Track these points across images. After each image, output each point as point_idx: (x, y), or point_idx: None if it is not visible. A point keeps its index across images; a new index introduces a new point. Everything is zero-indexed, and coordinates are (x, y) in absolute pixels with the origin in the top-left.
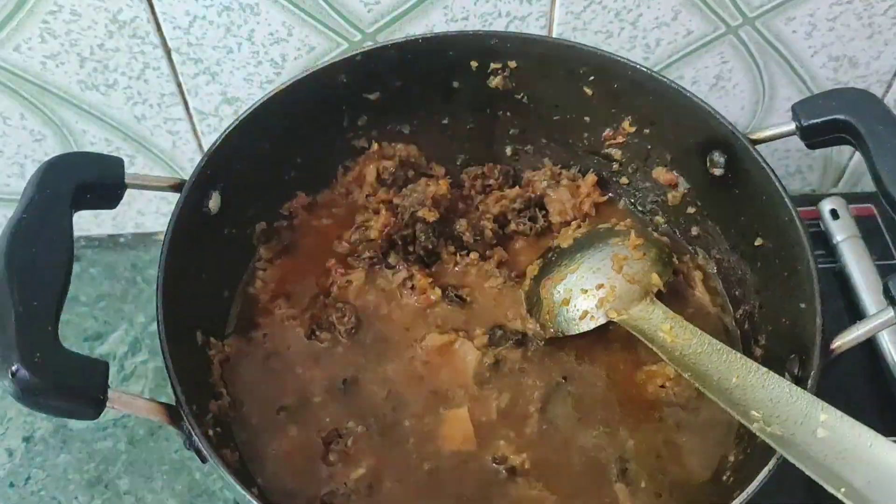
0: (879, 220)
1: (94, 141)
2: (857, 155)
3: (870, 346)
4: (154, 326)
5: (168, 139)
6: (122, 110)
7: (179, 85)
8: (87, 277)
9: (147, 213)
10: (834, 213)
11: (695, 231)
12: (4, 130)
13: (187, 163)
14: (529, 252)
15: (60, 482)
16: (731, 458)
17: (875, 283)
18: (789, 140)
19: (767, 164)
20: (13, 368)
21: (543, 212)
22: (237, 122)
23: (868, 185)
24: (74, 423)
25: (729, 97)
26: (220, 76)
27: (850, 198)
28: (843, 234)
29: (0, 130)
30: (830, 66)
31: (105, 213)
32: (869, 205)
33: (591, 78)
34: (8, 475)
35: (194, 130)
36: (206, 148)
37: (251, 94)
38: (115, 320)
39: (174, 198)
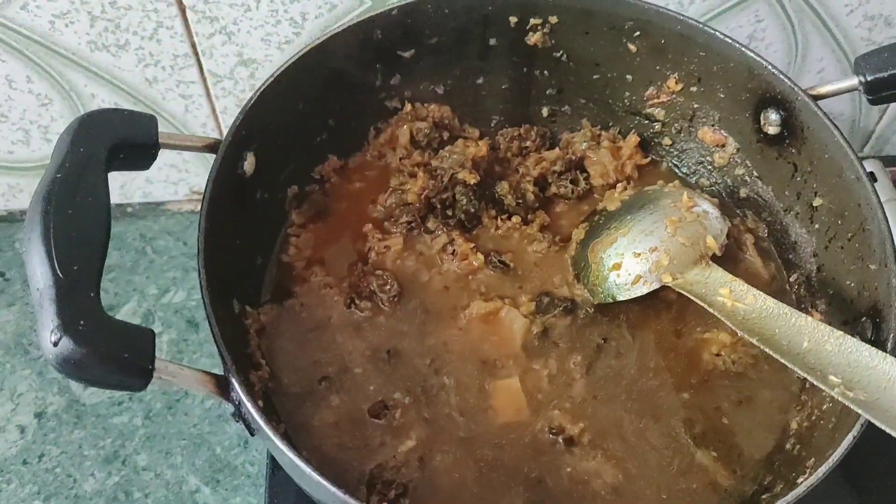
0: None
1: (103, 105)
2: (886, 118)
3: None
4: (167, 298)
5: (180, 103)
6: (133, 73)
7: (193, 45)
8: None
9: (156, 182)
10: (872, 176)
11: (743, 193)
12: (10, 94)
13: (199, 128)
14: (571, 216)
15: (75, 458)
16: (794, 426)
17: None
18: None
19: (831, 121)
20: (55, 338)
21: (584, 174)
22: (271, 80)
23: (895, 149)
24: (88, 398)
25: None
26: (236, 36)
27: (882, 161)
28: (884, 197)
29: (5, 94)
30: (865, 26)
31: (111, 182)
32: None
33: (637, 33)
34: (21, 452)
35: (208, 94)
36: (219, 112)
37: (268, 56)
38: (126, 292)
39: (184, 165)
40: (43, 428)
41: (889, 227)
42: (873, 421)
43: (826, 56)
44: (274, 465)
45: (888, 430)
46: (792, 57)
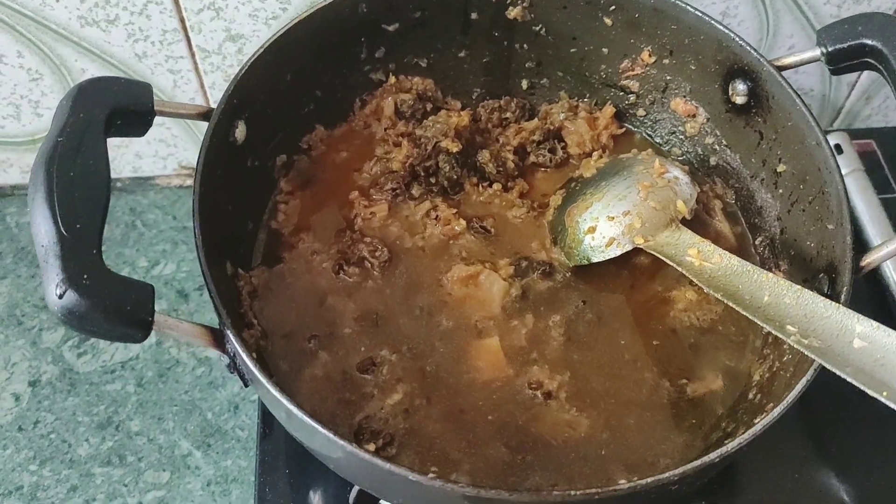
0: (880, 154)
1: None
2: (855, 93)
3: (874, 279)
4: (157, 270)
5: (169, 78)
6: (123, 48)
7: (182, 21)
8: None
9: (145, 157)
10: (838, 148)
11: (713, 161)
12: (0, 69)
13: (188, 102)
14: (549, 183)
15: (70, 425)
16: (756, 377)
17: (879, 214)
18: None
19: (794, 90)
20: (60, 291)
21: (562, 144)
22: (261, 50)
23: (864, 122)
24: (81, 367)
25: None
26: (224, 11)
27: (851, 134)
28: (847, 168)
29: None
30: (834, 3)
31: None
32: (869, 140)
33: (612, 7)
34: (16, 419)
35: (196, 69)
36: (207, 87)
37: (256, 31)
38: (117, 264)
39: (173, 140)
40: (37, 396)
41: (845, 188)
42: (826, 365)
43: (796, 32)
44: (265, 428)
45: (839, 373)
46: (764, 33)
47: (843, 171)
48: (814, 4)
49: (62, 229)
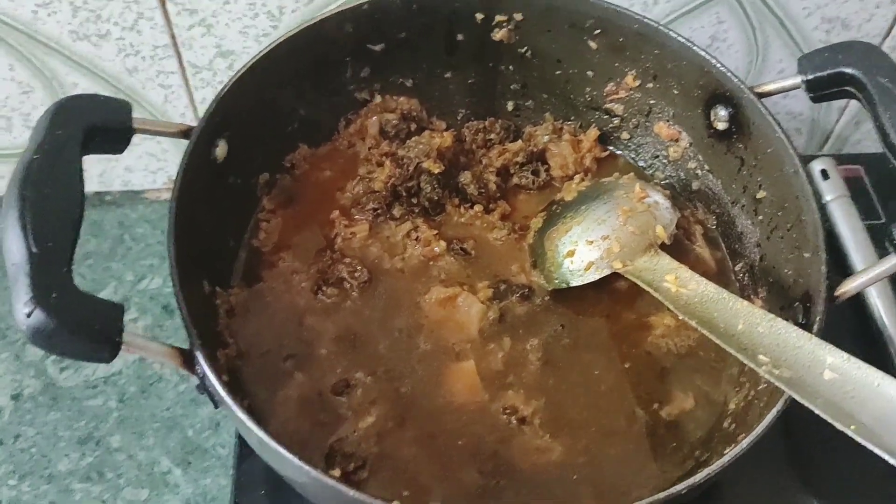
0: (867, 180)
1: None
2: (844, 118)
3: (858, 305)
4: (143, 285)
5: (160, 93)
6: (114, 62)
7: (173, 37)
8: None
9: (135, 171)
10: (824, 174)
11: (695, 185)
12: None
13: (178, 117)
14: (532, 205)
15: (51, 440)
16: (732, 406)
17: (864, 241)
18: (778, 103)
19: (774, 118)
20: (28, 310)
21: (545, 166)
22: (245, 69)
23: (854, 148)
24: (64, 382)
25: (723, 57)
26: (215, 28)
27: (839, 159)
28: (833, 194)
29: None
30: (823, 28)
31: (91, 171)
32: (857, 166)
33: (597, 31)
34: None
35: (187, 84)
36: (198, 102)
37: (246, 48)
38: (104, 278)
39: (164, 154)
40: (19, 410)
41: (822, 217)
42: (794, 396)
43: (786, 57)
44: (242, 446)
45: (809, 405)
46: (753, 57)
47: (829, 197)
48: (802, 29)
49: (33, 247)
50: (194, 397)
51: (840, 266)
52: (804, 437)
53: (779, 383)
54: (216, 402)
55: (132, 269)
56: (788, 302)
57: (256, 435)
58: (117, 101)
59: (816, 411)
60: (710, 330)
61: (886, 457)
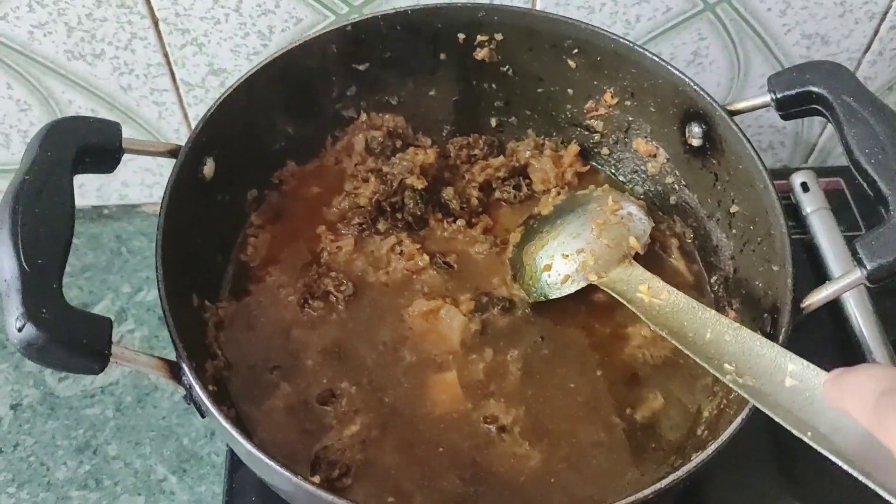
0: (847, 193)
1: (80, 111)
2: (826, 131)
3: (836, 313)
4: (140, 296)
5: (154, 110)
6: (109, 80)
7: (166, 55)
8: (71, 248)
9: (132, 185)
10: (804, 186)
11: (673, 200)
12: None
13: (172, 134)
14: (513, 219)
15: (48, 448)
16: (706, 414)
17: (843, 253)
18: (762, 116)
19: (744, 134)
20: (20, 324)
21: (527, 180)
22: (231, 90)
23: (837, 160)
24: (62, 391)
25: (705, 73)
26: (207, 47)
27: (820, 172)
28: (813, 206)
29: None
30: (803, 44)
31: (89, 185)
32: (838, 178)
33: (576, 51)
34: None
35: (180, 101)
36: (191, 119)
37: (238, 66)
38: (101, 290)
39: (159, 169)
40: (18, 419)
41: (789, 231)
42: (755, 403)
43: (768, 72)
44: (234, 454)
45: (770, 413)
46: (735, 73)
47: (809, 209)
48: (783, 45)
49: (24, 265)
50: (189, 406)
51: (820, 276)
52: (792, 441)
53: (743, 392)
54: (202, 413)
55: (129, 281)
56: (759, 313)
57: (242, 444)
58: (107, 123)
59: (776, 419)
60: (679, 340)
61: (840, 462)
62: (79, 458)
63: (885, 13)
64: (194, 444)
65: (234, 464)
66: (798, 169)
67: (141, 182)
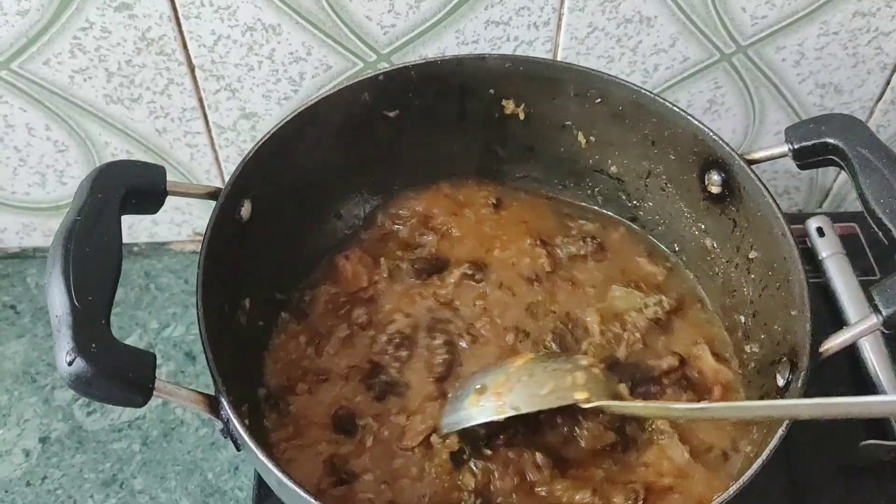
0: (862, 238)
1: (116, 153)
2: (841, 177)
3: (853, 358)
4: (167, 332)
5: (186, 152)
6: (145, 123)
7: (201, 100)
8: None
9: (161, 224)
10: (820, 231)
11: (693, 245)
12: (29, 141)
13: (203, 174)
14: None
15: (76, 481)
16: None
17: (858, 297)
18: (778, 163)
19: (763, 183)
20: (70, 358)
21: None
22: (268, 136)
23: (851, 206)
24: (90, 425)
25: (721, 120)
26: (240, 92)
27: (835, 217)
28: (829, 251)
29: (25, 141)
30: (817, 93)
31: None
32: (853, 224)
33: (598, 100)
34: (25, 474)
35: (212, 144)
36: (222, 160)
37: (269, 110)
38: (129, 326)
39: (188, 209)
40: (46, 452)
41: (807, 277)
42: None
43: (782, 120)
44: (260, 488)
45: None
46: (750, 120)
47: (825, 254)
48: (798, 94)
49: (75, 301)
50: (214, 441)
51: (836, 320)
52: (807, 477)
53: None
54: (238, 446)
55: (157, 317)
56: (777, 357)
57: (276, 475)
58: (153, 167)
59: None
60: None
61: None
62: (105, 492)
63: None
64: (218, 478)
65: (260, 497)
66: (813, 214)
67: (170, 221)
